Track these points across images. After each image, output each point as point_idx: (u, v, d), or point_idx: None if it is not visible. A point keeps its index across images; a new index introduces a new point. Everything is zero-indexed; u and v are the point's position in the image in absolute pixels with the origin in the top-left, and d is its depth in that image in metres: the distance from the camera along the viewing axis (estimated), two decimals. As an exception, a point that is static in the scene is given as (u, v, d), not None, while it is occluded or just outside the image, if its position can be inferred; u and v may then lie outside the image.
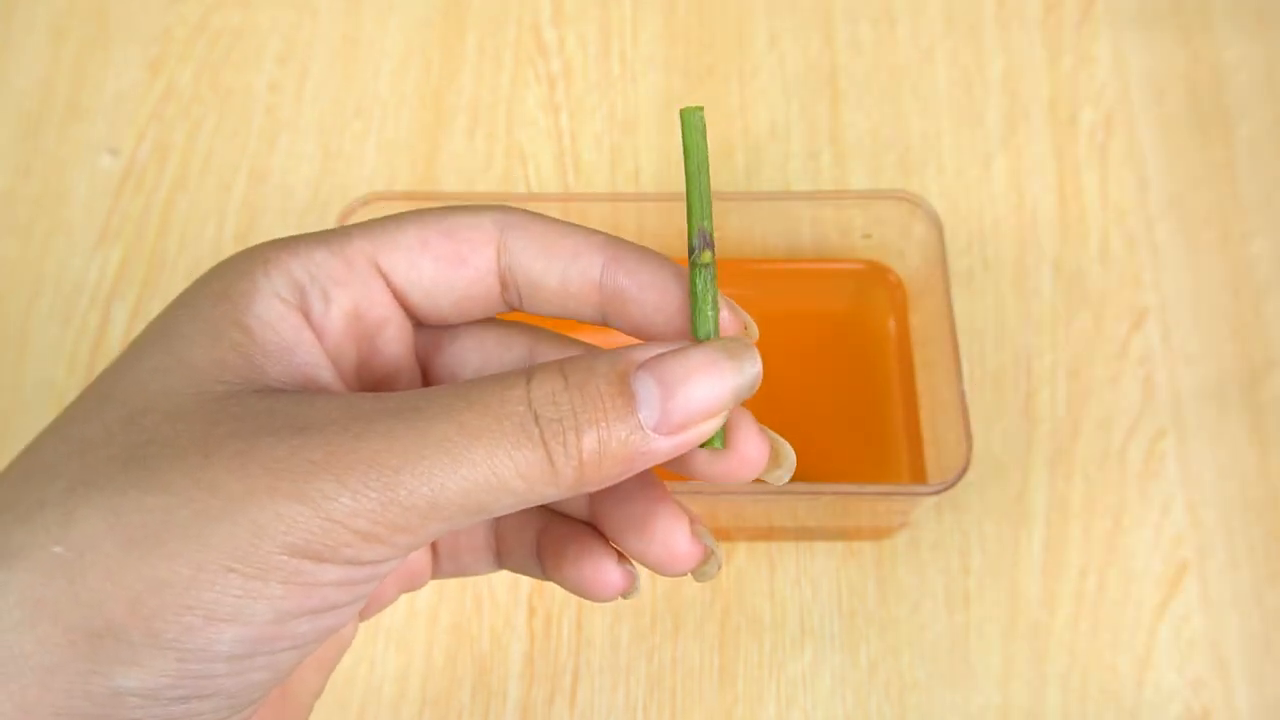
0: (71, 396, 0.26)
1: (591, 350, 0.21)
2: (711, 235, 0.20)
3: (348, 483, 0.17)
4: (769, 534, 0.39)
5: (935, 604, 0.38)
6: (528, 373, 0.18)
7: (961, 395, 0.34)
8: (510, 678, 0.37)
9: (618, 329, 0.21)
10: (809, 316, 0.41)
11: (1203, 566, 0.39)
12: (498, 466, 0.17)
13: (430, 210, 0.21)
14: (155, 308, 0.41)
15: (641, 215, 0.39)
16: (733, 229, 0.40)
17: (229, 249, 0.45)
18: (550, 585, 0.38)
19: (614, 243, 0.21)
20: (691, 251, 0.20)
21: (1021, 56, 0.48)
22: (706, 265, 0.20)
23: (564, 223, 0.21)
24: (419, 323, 0.22)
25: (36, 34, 0.49)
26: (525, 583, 0.38)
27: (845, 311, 0.41)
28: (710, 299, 0.20)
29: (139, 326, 0.38)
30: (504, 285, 0.21)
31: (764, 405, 0.39)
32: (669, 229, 0.40)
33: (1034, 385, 0.41)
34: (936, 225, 0.37)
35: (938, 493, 0.33)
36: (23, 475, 0.18)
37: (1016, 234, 0.44)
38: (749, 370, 0.19)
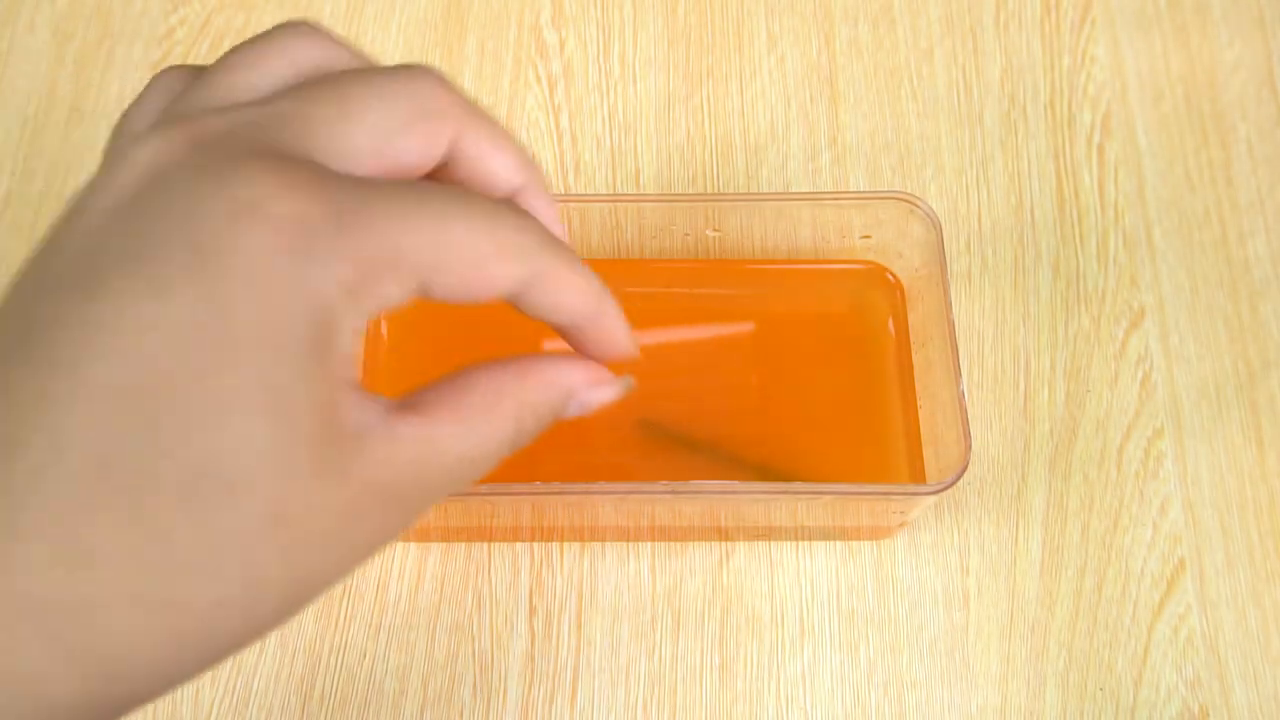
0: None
1: (548, 366, 0.25)
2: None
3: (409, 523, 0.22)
4: (769, 534, 0.39)
5: (934, 603, 0.38)
6: (517, 416, 0.23)
7: (960, 395, 0.34)
8: (510, 676, 0.37)
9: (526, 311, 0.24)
10: (808, 317, 0.41)
11: (1200, 565, 0.39)
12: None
13: (468, 232, 0.21)
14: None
15: (641, 215, 0.40)
16: (732, 229, 0.40)
17: (231, 250, 0.45)
18: (551, 585, 0.39)
19: (599, 299, 0.24)
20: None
21: (1020, 57, 0.48)
22: None
23: (568, 271, 0.23)
24: None
25: (39, 36, 0.49)
26: (526, 583, 0.39)
27: (845, 312, 0.41)
28: None
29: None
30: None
31: (765, 405, 0.39)
32: (669, 229, 0.40)
33: (1032, 385, 0.42)
34: (935, 226, 0.37)
35: (936, 493, 0.33)
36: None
37: (1015, 234, 0.44)
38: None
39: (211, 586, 0.18)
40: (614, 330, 0.24)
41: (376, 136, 0.21)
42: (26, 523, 0.17)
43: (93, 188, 0.20)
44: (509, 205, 0.22)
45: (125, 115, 0.22)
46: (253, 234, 0.18)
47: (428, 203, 0.20)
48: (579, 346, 0.25)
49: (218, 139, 0.20)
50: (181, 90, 0.22)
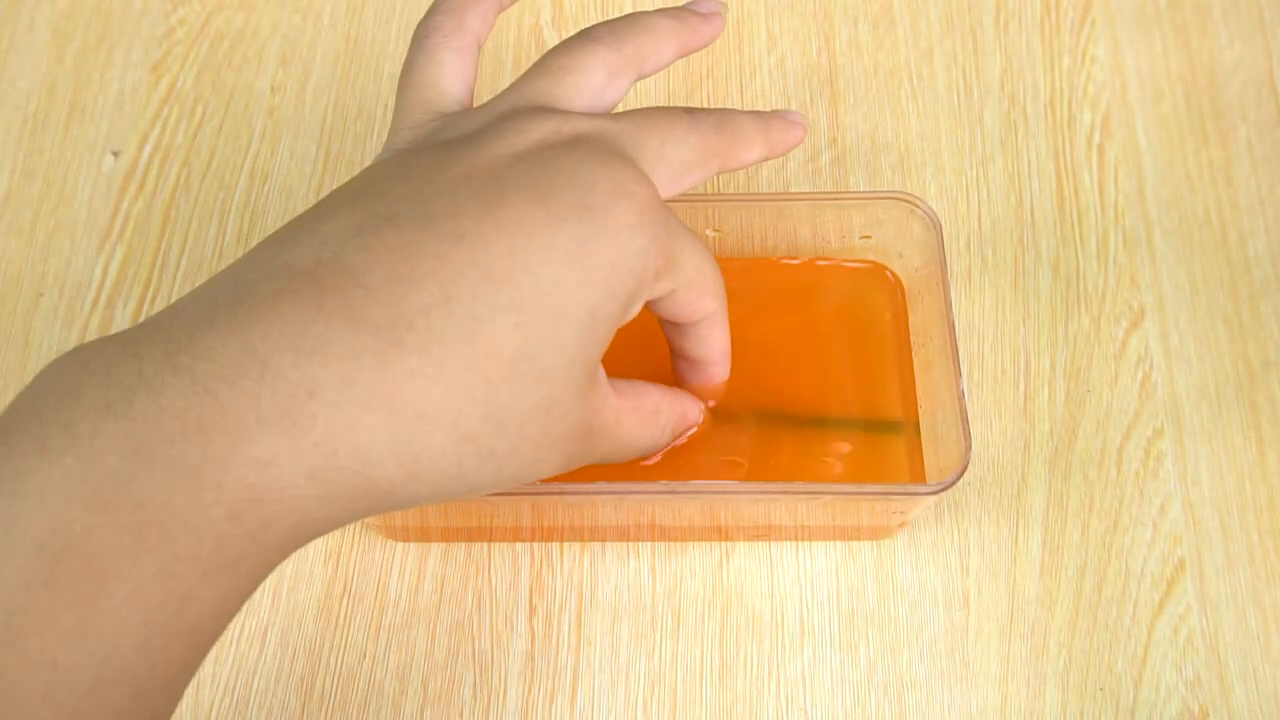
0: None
1: (688, 401, 0.35)
2: None
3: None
4: (769, 534, 0.39)
5: (934, 603, 0.38)
6: (670, 429, 0.34)
7: (960, 395, 0.34)
8: (510, 676, 0.37)
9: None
10: (808, 317, 0.41)
11: (1200, 565, 0.39)
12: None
13: (718, 280, 0.31)
14: (158, 309, 0.41)
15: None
16: (732, 229, 0.40)
17: (231, 250, 0.45)
18: (550, 585, 0.39)
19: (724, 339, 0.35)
20: None
21: (1020, 57, 0.48)
22: None
23: (723, 308, 0.33)
24: None
25: (39, 35, 0.49)
26: (526, 583, 0.39)
27: (845, 312, 0.41)
28: None
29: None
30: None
31: (765, 405, 0.39)
32: (669, 230, 0.40)
33: (1032, 385, 0.42)
34: (935, 226, 0.37)
35: (936, 493, 0.33)
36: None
37: (1015, 234, 0.44)
38: None
39: (492, 433, 0.24)
40: (724, 371, 0.34)
41: (677, 169, 0.29)
42: (411, 343, 0.23)
43: (474, 138, 0.27)
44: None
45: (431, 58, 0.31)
46: (624, 206, 0.26)
47: (710, 254, 0.30)
48: (690, 376, 0.34)
49: (589, 137, 0.27)
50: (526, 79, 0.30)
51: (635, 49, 0.30)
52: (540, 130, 0.27)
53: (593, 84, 0.29)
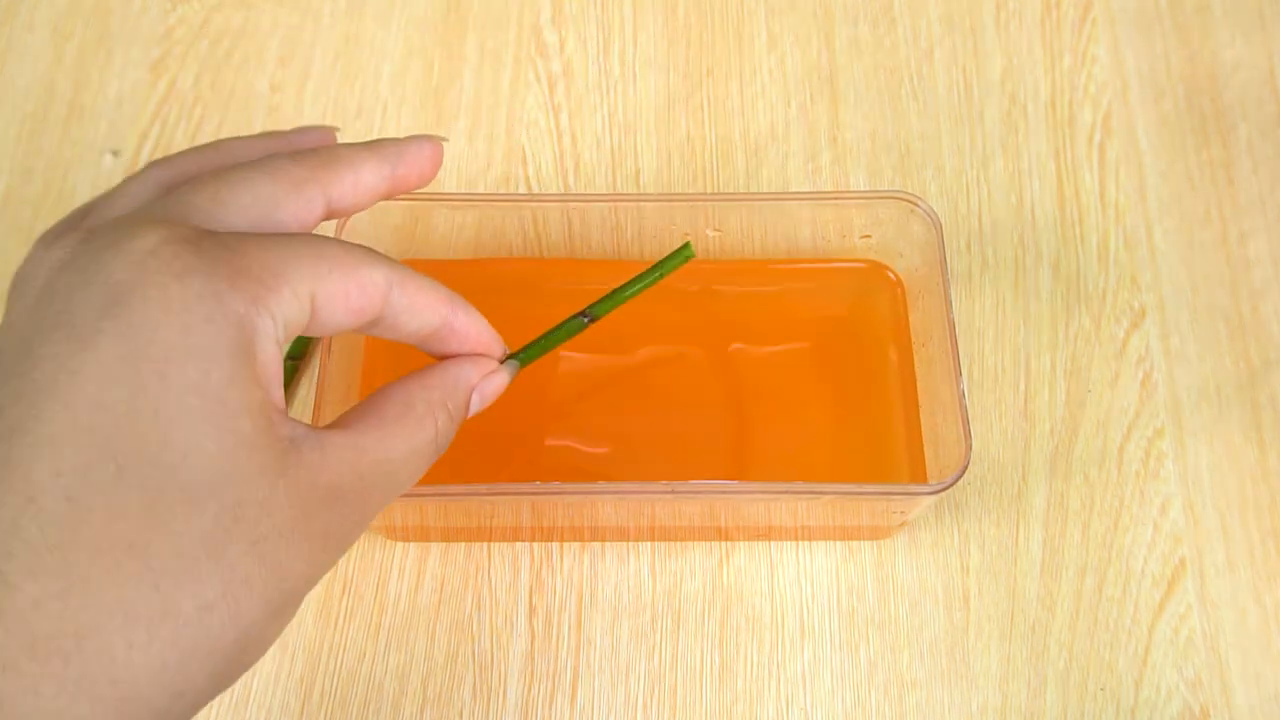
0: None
1: (450, 370, 0.28)
2: (595, 318, 0.31)
3: (362, 530, 0.25)
4: (769, 534, 0.39)
5: (934, 603, 0.38)
6: (434, 415, 0.26)
7: (961, 395, 0.34)
8: (510, 676, 0.37)
9: (431, 352, 0.28)
10: (809, 316, 0.41)
11: (1201, 565, 0.39)
12: (423, 466, 0.26)
13: (342, 249, 0.24)
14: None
15: (641, 215, 0.40)
16: (733, 229, 0.40)
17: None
18: (550, 584, 0.39)
19: (452, 298, 0.27)
20: (584, 315, 0.31)
21: (1020, 57, 0.48)
22: (577, 327, 0.31)
23: (423, 277, 0.26)
24: None
25: (38, 34, 0.49)
26: (526, 583, 0.39)
27: (845, 311, 0.41)
28: (544, 346, 0.31)
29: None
30: (368, 324, 0.26)
31: (765, 404, 0.39)
32: (669, 229, 0.40)
33: (1033, 385, 0.42)
34: (936, 225, 0.37)
35: (937, 492, 0.33)
36: (155, 585, 0.20)
37: (1015, 234, 0.44)
38: (510, 379, 0.29)
39: (193, 590, 0.20)
40: (474, 324, 0.28)
41: (253, 214, 0.24)
42: (15, 570, 0.18)
43: (9, 302, 0.22)
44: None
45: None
46: (157, 270, 0.20)
47: (305, 236, 0.24)
48: (448, 350, 0.28)
49: (105, 228, 0.22)
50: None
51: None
52: (50, 256, 0.22)
53: (137, 186, 0.25)
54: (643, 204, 0.39)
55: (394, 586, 0.39)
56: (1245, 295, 0.43)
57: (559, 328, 0.31)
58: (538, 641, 0.38)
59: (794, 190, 0.45)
